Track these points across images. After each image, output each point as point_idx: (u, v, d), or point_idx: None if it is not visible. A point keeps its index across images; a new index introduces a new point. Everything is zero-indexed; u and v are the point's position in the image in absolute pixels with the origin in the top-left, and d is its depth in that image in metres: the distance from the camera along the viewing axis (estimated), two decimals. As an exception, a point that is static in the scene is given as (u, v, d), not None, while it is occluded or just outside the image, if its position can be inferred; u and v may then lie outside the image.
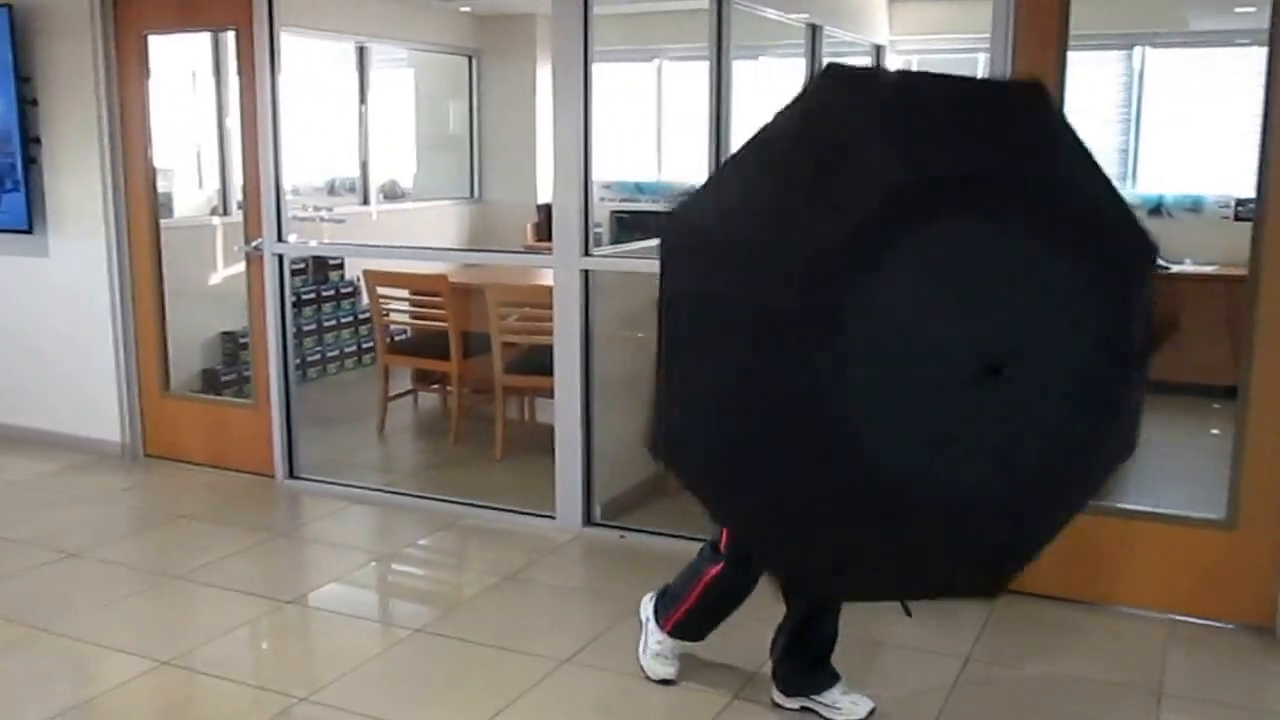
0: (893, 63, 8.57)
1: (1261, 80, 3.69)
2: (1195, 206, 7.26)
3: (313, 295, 7.51)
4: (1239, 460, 3.84)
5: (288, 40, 5.36)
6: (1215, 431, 3.86)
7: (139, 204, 5.68)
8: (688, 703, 3.38)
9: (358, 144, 8.61)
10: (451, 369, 6.00)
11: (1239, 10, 6.73)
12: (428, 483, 5.63)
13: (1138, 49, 7.46)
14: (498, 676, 3.53)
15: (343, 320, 7.74)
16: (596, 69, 4.58)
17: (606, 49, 5.27)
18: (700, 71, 5.19)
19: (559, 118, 4.62)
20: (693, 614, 3.38)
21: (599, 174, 4.64)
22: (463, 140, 9.53)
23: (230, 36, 5.40)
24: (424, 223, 8.93)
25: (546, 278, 4.95)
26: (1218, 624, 3.90)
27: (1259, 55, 3.78)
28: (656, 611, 3.49)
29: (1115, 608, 3.99)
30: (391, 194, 9.02)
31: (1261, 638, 3.81)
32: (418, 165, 9.61)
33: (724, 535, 3.24)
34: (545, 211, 5.16)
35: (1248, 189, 3.77)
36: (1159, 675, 3.55)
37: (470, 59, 9.43)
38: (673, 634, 3.45)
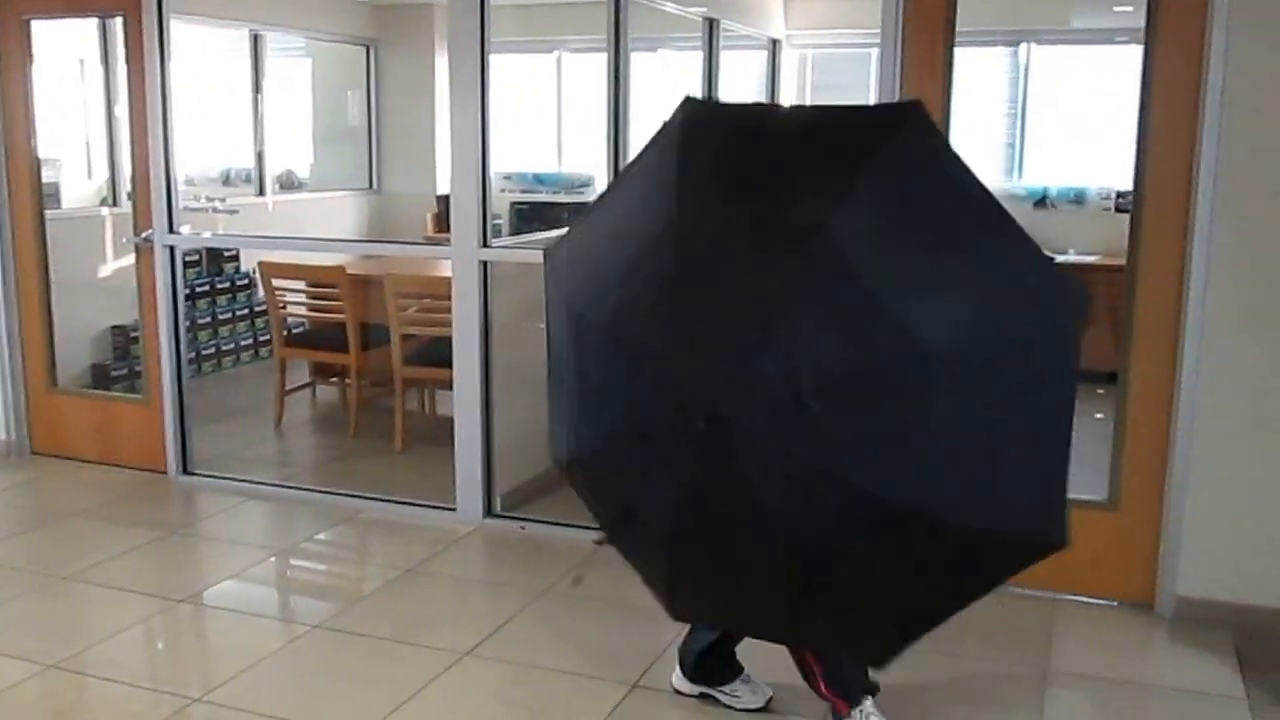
0: (789, 58, 8.66)
1: (1139, 76, 3.82)
2: (1078, 198, 7.47)
3: (207, 287, 7.37)
4: (1119, 444, 3.98)
5: (179, 27, 5.26)
6: (1099, 416, 3.98)
7: (22, 194, 5.53)
8: (588, 693, 3.40)
9: (253, 134, 8.47)
10: (350, 361, 5.95)
11: (1118, 9, 6.94)
12: (326, 477, 5.58)
13: (1023, 45, 7.65)
14: (398, 670, 3.52)
15: (238, 313, 7.61)
16: (495, 60, 4.57)
17: (505, 40, 5.27)
18: (599, 64, 5.20)
19: (456, 108, 4.61)
20: (837, 675, 3.08)
21: (499, 165, 4.64)
22: (361, 131, 9.43)
23: (118, 23, 5.27)
24: (322, 214, 8.82)
25: (446, 269, 4.93)
26: (1102, 602, 4.03)
27: (1137, 53, 3.90)
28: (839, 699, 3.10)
29: (1003, 590, 4.09)
30: (288, 184, 8.89)
31: (1143, 614, 3.95)
32: (315, 156, 9.48)
33: None
34: (445, 202, 5.13)
35: (1128, 182, 3.90)
36: (1046, 654, 3.66)
37: (368, 49, 9.32)
38: (856, 699, 3.08)
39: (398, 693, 3.37)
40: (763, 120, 2.76)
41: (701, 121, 2.59)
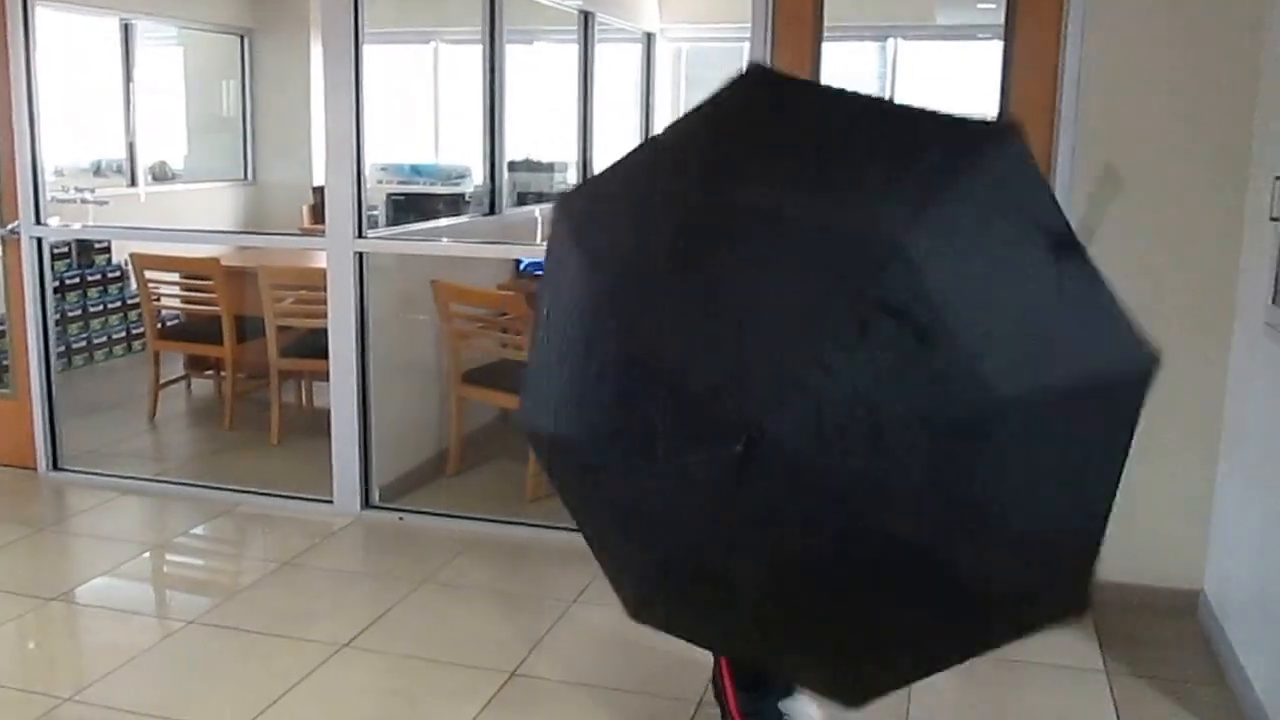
0: (663, 51, 8.73)
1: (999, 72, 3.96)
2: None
3: (77, 280, 7.19)
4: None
5: (45, 15, 5.13)
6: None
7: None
8: (466, 682, 3.42)
9: (124, 124, 8.28)
10: (225, 354, 5.86)
11: (981, 6, 7.13)
12: (202, 470, 5.50)
13: (891, 40, 7.82)
14: (274, 664, 3.50)
15: (110, 305, 7.44)
16: (371, 51, 4.55)
17: (381, 30, 5.23)
18: (475, 55, 5.21)
19: (330, 99, 4.58)
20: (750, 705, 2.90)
21: (375, 157, 4.62)
22: (236, 121, 9.27)
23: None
24: (196, 205, 8.66)
25: (321, 260, 4.90)
26: None
27: (999, 49, 4.04)
28: None
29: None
30: (161, 176, 8.71)
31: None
32: (189, 146, 9.30)
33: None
34: (321, 194, 5.09)
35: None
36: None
37: (242, 38, 9.17)
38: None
39: (273, 687, 3.35)
40: (841, 104, 2.31)
41: (764, 92, 2.27)
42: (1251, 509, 3.45)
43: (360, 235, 4.61)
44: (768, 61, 4.01)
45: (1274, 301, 3.13)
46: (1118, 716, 3.28)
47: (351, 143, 4.53)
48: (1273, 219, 3.23)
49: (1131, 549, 3.93)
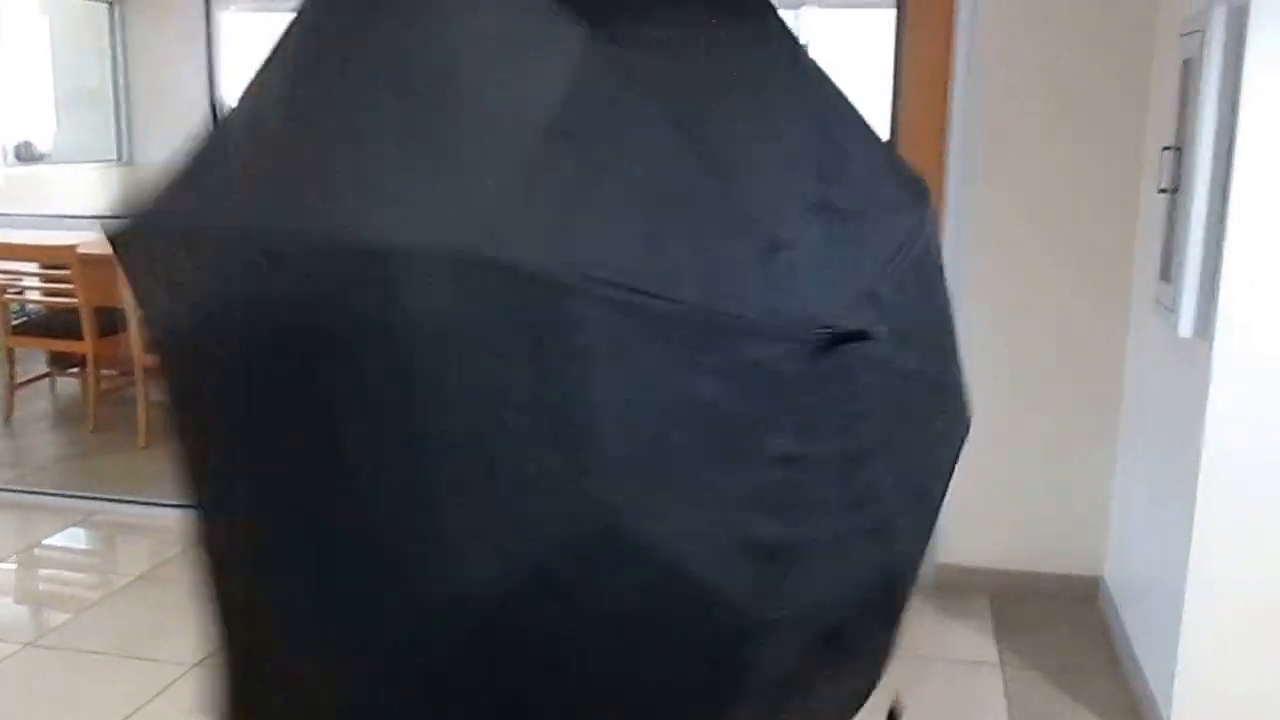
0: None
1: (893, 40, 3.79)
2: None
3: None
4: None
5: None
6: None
7: None
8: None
9: (-16, 101, 7.85)
10: (86, 349, 5.51)
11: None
12: (61, 477, 5.17)
13: (805, 8, 7.63)
14: (116, 688, 3.23)
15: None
16: (241, 18, 4.28)
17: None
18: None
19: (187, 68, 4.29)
20: None
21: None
22: (108, 96, 8.84)
23: None
24: (65, 188, 8.23)
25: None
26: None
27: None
28: None
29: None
30: (27, 156, 8.26)
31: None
32: (58, 124, 8.84)
33: None
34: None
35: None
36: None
37: (111, 6, 8.72)
38: None
39: (117, 711, 3.10)
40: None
41: None
42: (1143, 492, 3.34)
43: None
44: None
45: (1163, 277, 2.99)
46: (1009, 709, 3.19)
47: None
48: (1160, 190, 3.08)
49: (1034, 535, 3.84)
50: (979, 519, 3.86)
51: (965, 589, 3.87)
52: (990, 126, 3.64)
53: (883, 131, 3.77)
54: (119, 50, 8.82)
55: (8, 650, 3.49)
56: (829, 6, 7.59)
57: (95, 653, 3.45)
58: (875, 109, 3.89)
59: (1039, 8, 3.55)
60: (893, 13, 3.76)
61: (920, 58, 3.72)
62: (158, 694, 3.20)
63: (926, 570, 3.92)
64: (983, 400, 3.71)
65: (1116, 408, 3.70)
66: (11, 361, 5.73)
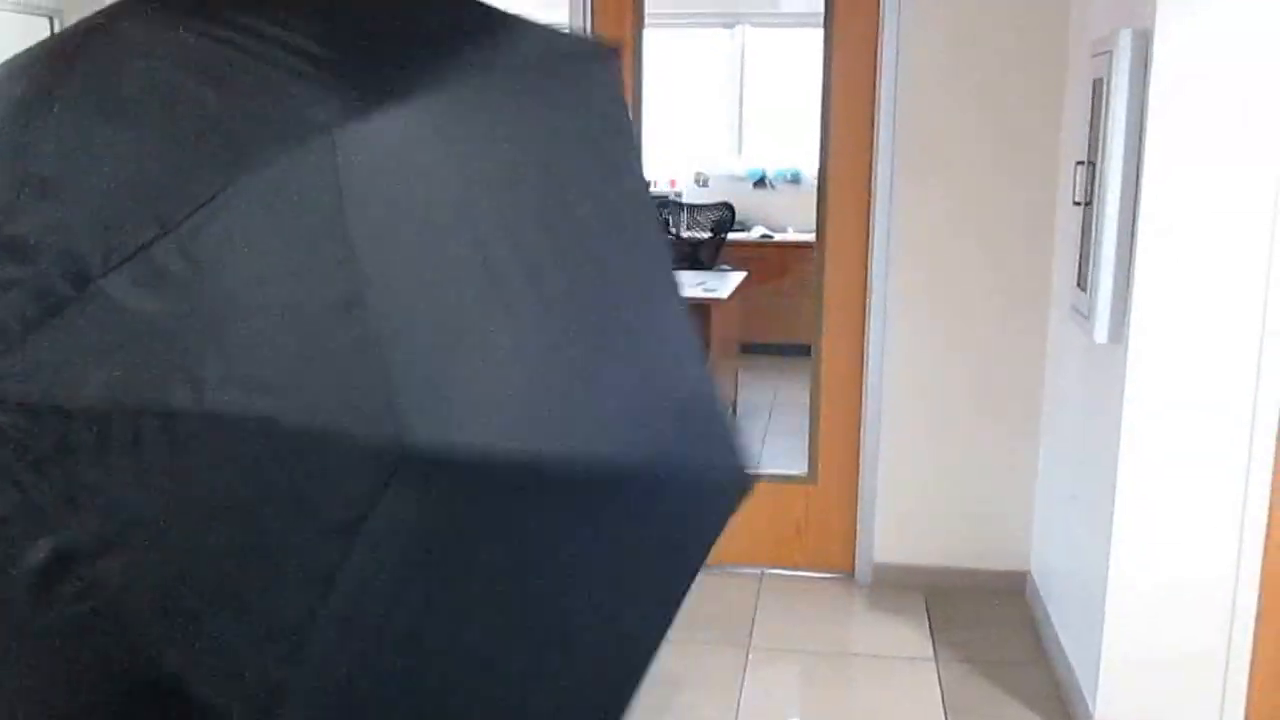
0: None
1: (820, 57, 3.91)
2: (795, 179, 7.69)
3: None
4: (815, 418, 4.08)
5: None
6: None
7: None
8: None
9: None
10: None
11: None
12: None
13: (739, 27, 7.78)
14: None
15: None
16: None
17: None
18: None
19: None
20: None
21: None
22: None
23: None
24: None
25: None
26: (805, 573, 4.13)
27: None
28: None
29: (713, 568, 4.14)
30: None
31: (844, 583, 4.07)
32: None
33: None
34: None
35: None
36: (749, 629, 3.72)
37: (51, 20, 8.69)
38: None
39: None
40: None
41: None
42: (1065, 489, 3.48)
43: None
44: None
45: (1079, 285, 3.13)
46: (944, 703, 3.28)
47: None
48: (1075, 203, 3.23)
49: (962, 531, 3.96)
50: (911, 519, 3.99)
51: (901, 587, 3.99)
52: (915, 141, 3.76)
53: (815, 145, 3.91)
54: (66, 68, 8.78)
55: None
56: (762, 26, 7.74)
57: None
58: (808, 122, 4.03)
59: (958, 30, 3.69)
60: (821, 32, 3.88)
61: (847, 74, 3.86)
62: None
63: (863, 570, 4.05)
64: (913, 405, 3.87)
65: (1038, 410, 3.84)
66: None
